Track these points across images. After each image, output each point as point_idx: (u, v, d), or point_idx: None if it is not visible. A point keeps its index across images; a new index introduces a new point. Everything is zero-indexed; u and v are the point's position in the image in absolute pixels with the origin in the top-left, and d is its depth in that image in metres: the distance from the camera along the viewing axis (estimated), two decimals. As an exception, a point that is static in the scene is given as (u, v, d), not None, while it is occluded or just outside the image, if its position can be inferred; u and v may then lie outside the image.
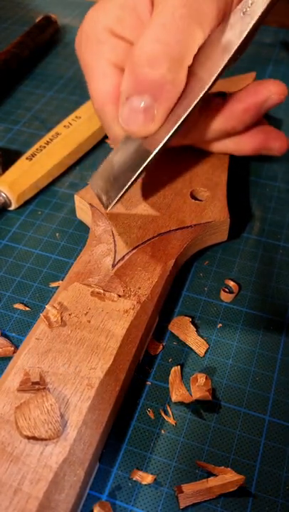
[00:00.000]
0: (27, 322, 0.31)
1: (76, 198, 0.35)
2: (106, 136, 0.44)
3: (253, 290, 0.33)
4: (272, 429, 0.27)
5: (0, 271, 0.34)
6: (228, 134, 0.34)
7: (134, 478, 0.25)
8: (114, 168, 0.31)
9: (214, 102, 0.33)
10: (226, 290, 0.33)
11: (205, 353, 0.30)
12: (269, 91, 0.31)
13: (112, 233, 0.32)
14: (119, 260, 0.31)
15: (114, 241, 0.32)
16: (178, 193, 0.35)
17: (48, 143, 0.41)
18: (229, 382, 0.28)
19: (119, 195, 0.30)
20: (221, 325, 0.31)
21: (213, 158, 0.37)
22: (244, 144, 0.35)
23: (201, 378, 0.28)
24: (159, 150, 0.28)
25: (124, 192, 0.30)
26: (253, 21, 0.27)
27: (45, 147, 0.40)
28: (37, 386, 0.24)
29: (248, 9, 0.27)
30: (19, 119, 0.48)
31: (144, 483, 0.25)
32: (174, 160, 0.37)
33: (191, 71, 0.27)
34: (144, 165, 0.29)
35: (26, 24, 0.61)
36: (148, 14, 0.28)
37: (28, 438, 0.23)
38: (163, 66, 0.25)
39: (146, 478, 0.25)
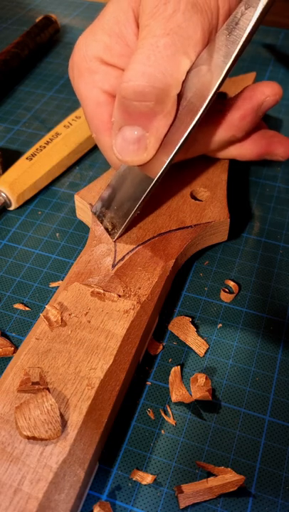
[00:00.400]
0: (27, 322, 0.31)
1: (76, 198, 0.35)
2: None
3: (253, 290, 0.33)
4: (272, 429, 0.27)
5: (0, 271, 0.34)
6: (230, 143, 0.34)
7: (134, 479, 0.25)
8: (116, 196, 0.32)
9: (212, 112, 0.33)
10: (226, 290, 0.33)
11: (205, 353, 0.30)
12: (263, 94, 0.31)
13: (112, 233, 0.32)
14: (119, 260, 0.31)
15: (114, 241, 0.32)
16: (178, 193, 0.35)
17: (47, 143, 0.41)
18: (229, 383, 0.29)
19: (124, 225, 0.31)
20: (221, 325, 0.31)
21: (214, 158, 0.37)
22: (247, 151, 0.35)
23: (201, 378, 0.28)
24: (160, 176, 0.29)
25: (129, 221, 0.31)
26: (240, 44, 0.26)
27: (45, 147, 0.40)
28: (37, 386, 0.24)
29: (235, 30, 0.26)
30: (19, 119, 0.48)
31: (144, 483, 0.25)
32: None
33: (182, 96, 0.27)
34: (147, 192, 0.29)
35: (26, 24, 0.61)
36: (135, 39, 0.29)
37: (28, 438, 0.23)
38: (150, 99, 0.26)
39: (146, 478, 0.25)
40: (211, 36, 0.27)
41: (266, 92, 0.31)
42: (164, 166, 0.28)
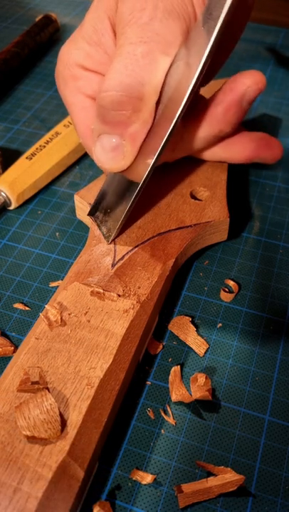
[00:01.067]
0: (27, 322, 0.31)
1: (76, 197, 0.35)
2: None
3: (252, 290, 0.33)
4: (272, 429, 0.27)
5: (0, 270, 0.34)
6: (219, 138, 0.34)
7: (133, 478, 0.25)
8: (108, 200, 0.32)
9: (196, 109, 0.32)
10: (226, 290, 0.33)
11: (205, 352, 0.30)
12: (244, 84, 0.30)
13: (112, 233, 0.32)
14: (118, 260, 0.31)
15: (114, 241, 0.32)
16: (178, 192, 0.35)
17: (47, 142, 0.40)
18: (229, 382, 0.28)
19: (117, 227, 0.31)
20: (220, 325, 0.31)
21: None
22: (235, 154, 0.35)
23: (201, 378, 0.28)
24: (145, 180, 0.29)
25: (122, 223, 0.31)
26: (214, 34, 0.25)
27: (45, 147, 0.40)
28: (36, 386, 0.24)
29: (209, 21, 0.25)
30: (19, 118, 0.47)
31: (143, 482, 0.25)
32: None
33: (161, 98, 0.27)
34: (134, 196, 0.30)
35: (26, 23, 0.61)
36: (113, 47, 0.29)
37: (28, 437, 0.23)
38: (127, 108, 0.26)
39: (146, 477, 0.25)
40: (189, 32, 0.26)
41: (247, 83, 0.30)
42: (148, 170, 0.28)
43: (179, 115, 0.27)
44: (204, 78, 0.31)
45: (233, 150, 0.35)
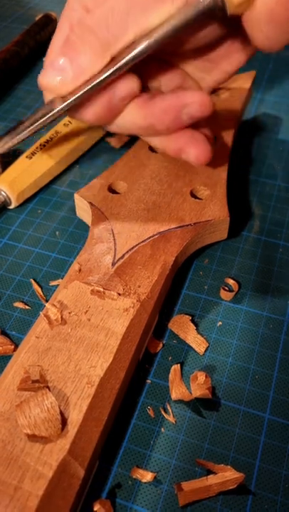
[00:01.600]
0: (27, 320, 0.31)
1: (76, 196, 0.35)
2: (106, 135, 0.44)
3: (252, 288, 0.33)
4: (271, 427, 0.27)
5: (0, 269, 0.34)
6: (149, 132, 0.32)
7: (134, 476, 0.25)
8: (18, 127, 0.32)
9: (145, 95, 0.31)
10: (226, 288, 0.33)
11: (205, 351, 0.30)
12: (191, 97, 0.30)
13: (112, 232, 0.32)
14: (119, 259, 0.31)
15: (114, 239, 0.32)
16: (178, 191, 0.35)
17: (47, 141, 0.41)
18: (229, 381, 0.29)
19: (10, 142, 0.31)
20: (220, 323, 0.31)
21: (213, 156, 0.37)
22: (167, 143, 0.33)
23: (201, 376, 0.28)
24: (62, 108, 0.29)
25: (16, 140, 0.31)
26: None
27: (45, 146, 0.40)
28: (37, 384, 0.24)
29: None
30: (19, 117, 0.47)
31: (144, 481, 0.25)
32: (174, 158, 0.37)
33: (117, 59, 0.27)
34: (39, 122, 0.30)
35: (26, 22, 0.61)
36: None
37: (29, 436, 0.23)
38: (89, 45, 0.27)
39: (146, 476, 0.25)
40: None
41: (194, 98, 0.30)
42: (64, 104, 0.28)
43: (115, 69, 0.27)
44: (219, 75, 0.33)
45: (166, 139, 0.33)
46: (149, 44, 0.26)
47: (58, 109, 0.29)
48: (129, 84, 0.29)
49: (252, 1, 0.25)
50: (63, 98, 0.28)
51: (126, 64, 0.27)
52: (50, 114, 0.29)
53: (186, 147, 0.32)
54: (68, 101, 0.28)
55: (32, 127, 0.31)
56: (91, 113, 0.30)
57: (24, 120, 0.32)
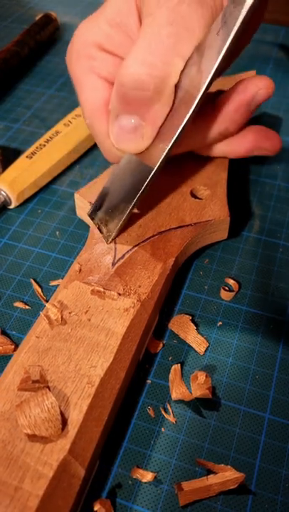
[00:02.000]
0: (27, 320, 0.31)
1: (76, 196, 0.35)
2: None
3: (253, 288, 0.33)
4: (272, 427, 0.27)
5: (0, 269, 0.34)
6: (223, 137, 0.34)
7: (134, 476, 0.25)
8: (109, 199, 0.32)
9: (205, 105, 0.32)
10: (226, 288, 0.33)
11: (205, 351, 0.30)
12: (256, 86, 0.31)
13: (112, 232, 0.32)
14: (119, 259, 0.31)
15: (115, 240, 0.32)
16: (178, 191, 0.35)
17: (47, 141, 0.41)
18: (229, 381, 0.29)
19: (118, 228, 0.31)
20: (221, 323, 0.31)
21: (213, 156, 0.37)
22: (235, 146, 0.35)
23: (201, 376, 0.28)
24: (159, 166, 0.28)
25: (123, 223, 0.31)
26: (227, 44, 0.25)
27: (45, 145, 0.40)
28: (37, 384, 0.24)
29: (223, 28, 0.26)
30: (19, 117, 0.47)
31: (144, 481, 0.25)
32: (174, 158, 0.37)
33: (179, 86, 0.27)
34: (146, 184, 0.29)
35: (26, 22, 0.61)
36: (136, 31, 0.29)
37: (29, 436, 0.23)
38: (149, 88, 0.26)
39: (146, 476, 0.25)
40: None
41: (259, 85, 0.31)
42: (164, 154, 0.28)
43: (197, 103, 0.27)
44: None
45: (233, 142, 0.35)
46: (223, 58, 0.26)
47: (156, 166, 0.28)
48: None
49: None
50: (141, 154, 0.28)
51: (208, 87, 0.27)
52: (151, 176, 0.29)
53: (260, 143, 0.34)
54: (164, 154, 0.28)
55: (135, 200, 0.30)
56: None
57: (106, 189, 0.31)
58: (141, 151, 0.28)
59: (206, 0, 0.25)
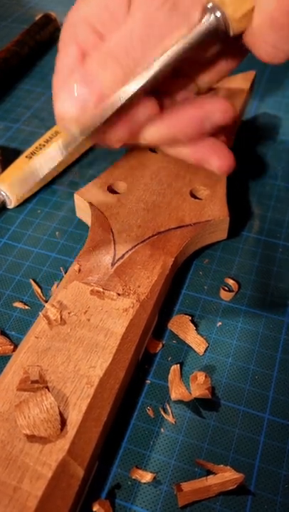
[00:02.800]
0: (26, 320, 0.31)
1: (76, 196, 0.35)
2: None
3: (252, 288, 0.33)
4: (271, 427, 0.27)
5: (0, 269, 0.34)
6: (172, 142, 0.33)
7: (133, 477, 0.25)
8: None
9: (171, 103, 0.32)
10: (226, 288, 0.33)
11: (204, 351, 0.30)
12: (213, 107, 0.31)
13: (112, 232, 0.32)
14: (118, 259, 0.31)
15: (114, 240, 0.32)
16: (177, 191, 0.35)
17: (47, 141, 0.40)
18: (229, 381, 0.29)
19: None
20: (220, 323, 0.31)
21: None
22: (189, 153, 0.33)
23: (201, 376, 0.28)
24: (85, 133, 0.28)
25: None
26: (150, 72, 0.27)
27: (44, 145, 0.40)
28: (36, 384, 0.24)
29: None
30: (19, 117, 0.47)
31: (143, 481, 0.25)
32: (174, 158, 0.37)
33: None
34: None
35: (26, 22, 0.61)
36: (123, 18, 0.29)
37: (28, 436, 0.23)
38: (111, 71, 0.27)
39: (145, 476, 0.25)
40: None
41: (216, 106, 0.31)
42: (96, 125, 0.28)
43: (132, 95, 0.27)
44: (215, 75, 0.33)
45: (185, 150, 0.33)
46: (164, 66, 0.27)
47: (80, 135, 0.28)
48: (148, 109, 0.29)
49: (251, 13, 0.25)
50: (81, 125, 0.28)
51: (144, 86, 0.27)
52: (74, 142, 0.29)
53: (208, 158, 0.33)
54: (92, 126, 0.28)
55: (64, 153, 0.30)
56: (115, 139, 0.30)
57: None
58: (76, 118, 0.28)
59: (183, 10, 0.26)
